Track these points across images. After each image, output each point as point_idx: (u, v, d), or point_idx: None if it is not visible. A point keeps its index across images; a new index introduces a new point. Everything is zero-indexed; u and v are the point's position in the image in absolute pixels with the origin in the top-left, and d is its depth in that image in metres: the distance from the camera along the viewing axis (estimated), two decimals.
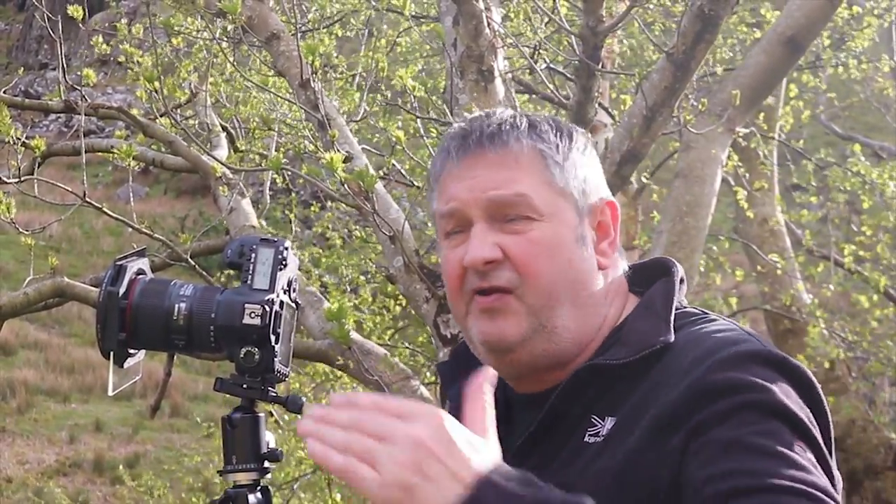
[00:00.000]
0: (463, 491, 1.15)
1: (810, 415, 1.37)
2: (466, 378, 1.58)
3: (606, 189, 1.59)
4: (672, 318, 1.49)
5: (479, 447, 1.20)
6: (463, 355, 1.62)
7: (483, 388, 1.28)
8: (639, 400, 1.42)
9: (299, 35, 5.16)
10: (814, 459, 1.32)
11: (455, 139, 1.54)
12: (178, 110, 7.12)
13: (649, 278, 1.58)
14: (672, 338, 1.46)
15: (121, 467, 13.03)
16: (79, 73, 5.77)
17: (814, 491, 1.27)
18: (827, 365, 8.17)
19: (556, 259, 1.49)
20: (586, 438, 1.44)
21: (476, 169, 1.51)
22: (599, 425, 1.44)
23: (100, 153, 7.33)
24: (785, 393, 1.36)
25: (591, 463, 1.42)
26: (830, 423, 1.41)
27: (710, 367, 1.39)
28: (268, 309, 1.62)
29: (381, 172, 6.73)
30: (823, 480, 1.30)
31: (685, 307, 1.55)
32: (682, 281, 1.58)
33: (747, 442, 1.31)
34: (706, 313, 1.54)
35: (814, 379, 1.41)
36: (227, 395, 1.68)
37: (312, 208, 8.53)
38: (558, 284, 1.49)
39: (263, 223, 7.99)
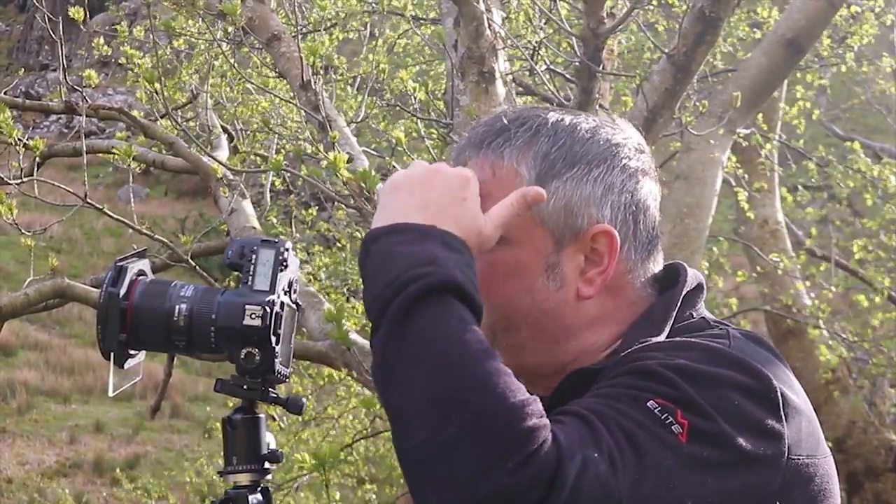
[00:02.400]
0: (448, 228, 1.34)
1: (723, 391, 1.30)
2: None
3: (610, 214, 1.48)
4: (669, 326, 1.45)
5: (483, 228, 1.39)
6: None
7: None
8: None
9: (300, 36, 5.16)
10: (654, 406, 1.28)
11: (462, 138, 1.56)
12: (179, 111, 7.13)
13: (663, 289, 1.52)
14: (655, 340, 1.42)
15: (118, 470, 13.01)
16: (79, 74, 5.76)
17: (586, 412, 1.29)
18: (823, 359, 8.14)
19: (514, 284, 1.46)
20: None
21: None
22: None
23: (100, 154, 7.33)
24: (688, 359, 1.32)
25: None
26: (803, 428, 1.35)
27: (642, 349, 1.38)
28: (268, 310, 1.61)
29: (381, 174, 6.71)
30: (608, 411, 1.28)
31: (696, 318, 1.48)
32: (699, 288, 1.52)
33: (598, 391, 1.34)
34: (724, 325, 1.47)
35: (777, 387, 1.33)
36: (228, 396, 1.69)
37: (310, 211, 8.52)
38: (512, 308, 1.46)
39: (273, 221, 7.98)
